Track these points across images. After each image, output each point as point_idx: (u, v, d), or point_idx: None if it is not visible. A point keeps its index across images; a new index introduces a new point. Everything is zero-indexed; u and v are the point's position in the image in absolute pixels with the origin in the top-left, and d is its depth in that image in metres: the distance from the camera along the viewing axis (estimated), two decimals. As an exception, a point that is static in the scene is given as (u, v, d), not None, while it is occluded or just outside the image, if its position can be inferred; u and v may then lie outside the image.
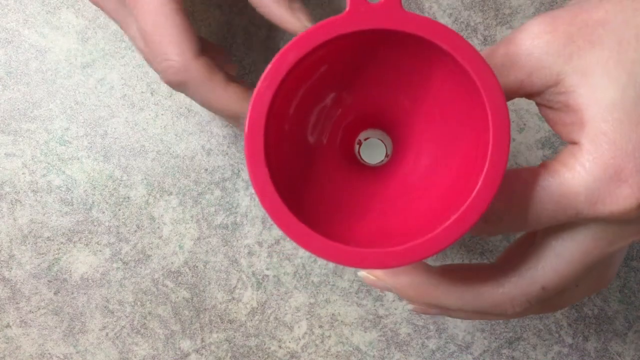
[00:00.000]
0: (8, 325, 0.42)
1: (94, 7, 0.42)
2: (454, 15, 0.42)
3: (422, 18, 0.24)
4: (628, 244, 0.27)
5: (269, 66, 0.23)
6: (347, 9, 0.24)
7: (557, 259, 0.27)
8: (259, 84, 0.23)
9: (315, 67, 0.25)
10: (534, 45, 0.26)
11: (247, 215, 0.42)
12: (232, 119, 0.34)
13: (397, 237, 0.25)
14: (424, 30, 0.24)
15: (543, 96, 0.27)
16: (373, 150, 0.30)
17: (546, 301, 0.29)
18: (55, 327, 0.42)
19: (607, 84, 0.25)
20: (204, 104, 0.34)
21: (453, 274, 0.29)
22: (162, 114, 0.42)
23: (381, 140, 0.30)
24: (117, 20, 0.35)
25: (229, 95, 0.33)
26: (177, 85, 0.33)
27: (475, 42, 0.42)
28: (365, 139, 0.30)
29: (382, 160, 0.29)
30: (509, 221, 0.27)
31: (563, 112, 0.26)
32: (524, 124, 0.42)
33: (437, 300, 0.30)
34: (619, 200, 0.25)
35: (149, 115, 0.42)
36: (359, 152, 0.29)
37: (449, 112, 0.27)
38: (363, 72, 0.27)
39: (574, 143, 0.26)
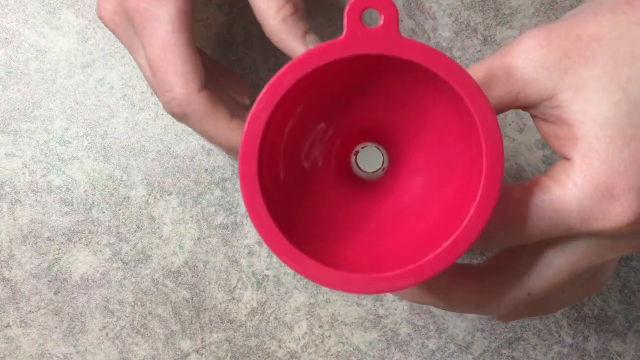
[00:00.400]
0: (8, 325, 0.42)
1: (95, 7, 0.42)
2: (454, 15, 0.42)
3: (418, 44, 0.23)
4: (619, 256, 0.28)
5: (265, 89, 0.23)
6: (344, 33, 0.23)
7: (546, 268, 0.28)
8: (254, 106, 0.23)
9: (312, 89, 0.25)
10: (529, 58, 0.26)
11: (247, 215, 0.42)
12: (234, 153, 0.34)
13: (391, 258, 0.25)
14: (420, 56, 0.23)
15: (537, 109, 0.27)
16: (370, 157, 0.29)
17: (532, 305, 0.29)
18: (55, 327, 0.42)
19: (601, 100, 0.25)
20: (206, 136, 0.33)
21: (441, 274, 0.30)
22: (162, 114, 0.42)
23: (378, 149, 0.30)
24: (127, 46, 0.35)
25: (231, 130, 0.33)
26: (180, 117, 0.33)
27: (475, 42, 0.42)
28: (362, 148, 0.30)
29: (379, 170, 0.29)
30: (502, 237, 0.27)
31: (557, 126, 0.26)
32: (524, 124, 0.42)
33: (425, 300, 0.30)
34: (611, 218, 0.25)
35: (149, 115, 0.42)
36: (355, 162, 0.29)
37: (444, 135, 0.27)
38: (359, 95, 0.27)
39: (566, 158, 0.26)
